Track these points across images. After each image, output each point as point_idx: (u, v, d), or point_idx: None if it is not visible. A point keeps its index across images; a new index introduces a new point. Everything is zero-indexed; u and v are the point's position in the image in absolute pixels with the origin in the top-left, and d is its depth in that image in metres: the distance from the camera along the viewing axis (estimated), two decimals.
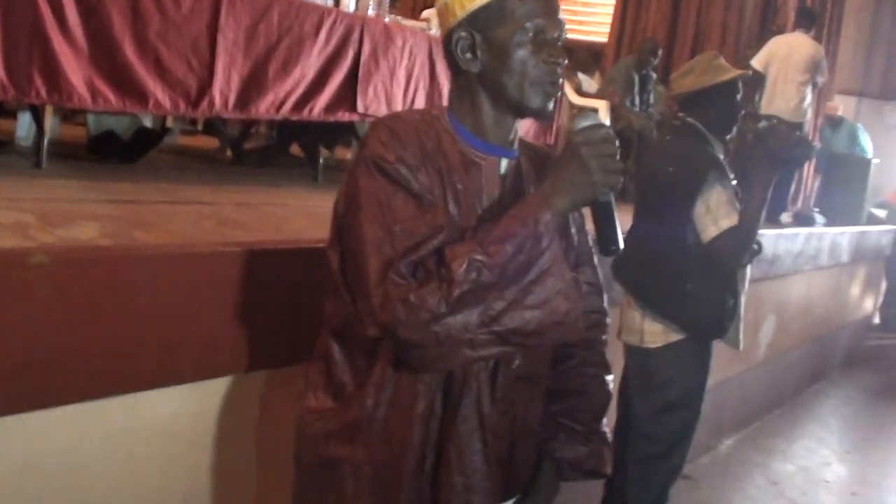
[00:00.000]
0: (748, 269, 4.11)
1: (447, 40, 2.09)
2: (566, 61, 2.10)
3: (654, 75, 9.74)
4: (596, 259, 2.36)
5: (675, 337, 4.04)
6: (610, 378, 2.45)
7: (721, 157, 3.99)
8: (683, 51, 12.28)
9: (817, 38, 10.06)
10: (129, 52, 4.11)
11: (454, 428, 2.10)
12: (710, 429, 6.97)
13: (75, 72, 3.92)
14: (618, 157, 1.97)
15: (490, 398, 2.14)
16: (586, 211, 2.09)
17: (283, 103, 4.93)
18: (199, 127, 7.72)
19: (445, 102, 2.19)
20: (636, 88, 9.33)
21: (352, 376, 2.15)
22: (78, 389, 2.47)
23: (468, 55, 2.06)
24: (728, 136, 4.07)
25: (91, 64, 3.99)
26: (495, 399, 2.15)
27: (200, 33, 4.41)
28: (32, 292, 2.32)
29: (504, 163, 2.14)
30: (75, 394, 2.47)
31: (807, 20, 9.64)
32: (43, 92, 3.83)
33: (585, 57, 9.99)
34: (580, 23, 13.28)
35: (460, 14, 2.06)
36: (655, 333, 4.10)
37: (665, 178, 4.02)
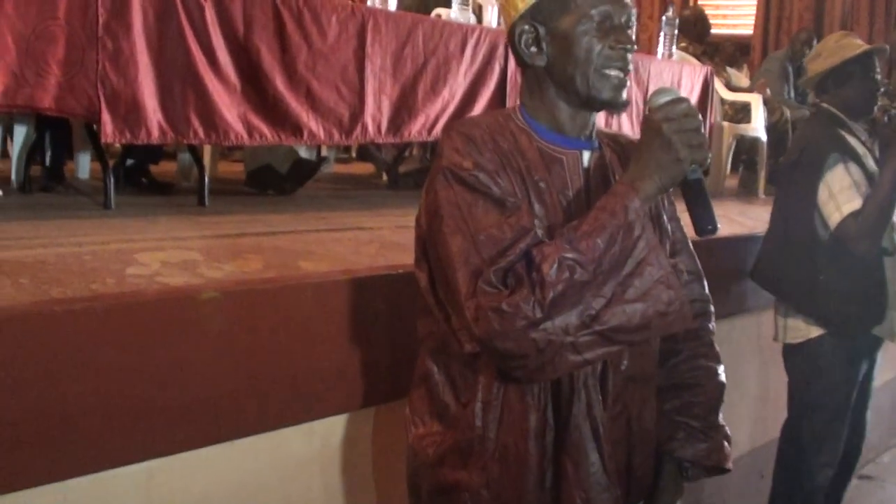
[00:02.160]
0: None
1: (511, 35, 2.04)
2: (635, 46, 2.03)
3: None
4: (691, 245, 2.28)
5: (816, 332, 3.92)
6: (721, 368, 2.35)
7: (861, 138, 3.84)
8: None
9: None
10: (281, 85, 4.17)
11: (567, 439, 2.03)
12: (890, 426, 6.72)
13: (230, 109, 3.99)
14: (702, 130, 1.87)
15: (601, 403, 2.06)
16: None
17: (434, 124, 4.93)
18: (353, 154, 7.80)
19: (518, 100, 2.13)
20: (790, 80, 9.12)
21: (453, 396, 2.10)
22: (251, 422, 2.51)
23: (533, 48, 2.01)
24: (869, 116, 3.92)
25: (244, 100, 4.06)
26: (607, 404, 2.07)
27: (348, 61, 4.45)
28: (207, 328, 2.36)
29: (586, 155, 2.08)
30: (248, 427, 2.51)
31: None
32: (201, 132, 3.90)
33: (732, 51, 9.80)
34: (724, 17, 13.08)
35: (522, 7, 2.01)
36: (797, 329, 4.00)
37: (789, 167, 3.92)
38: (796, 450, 4.06)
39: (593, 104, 2.03)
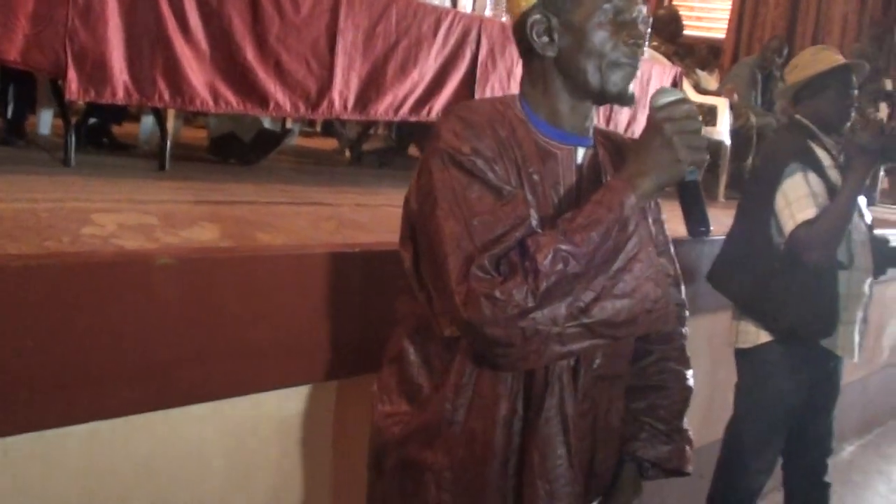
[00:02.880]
0: (860, 270, 3.86)
1: (520, 25, 2.02)
2: (647, 42, 2.03)
3: (778, 74, 9.57)
4: (672, 249, 2.29)
5: (764, 338, 3.92)
6: (689, 373, 2.37)
7: (832, 152, 3.85)
8: (804, 46, 11.98)
9: None
10: (250, 54, 4.15)
11: (538, 431, 2.04)
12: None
13: (197, 75, 3.97)
14: (702, 133, 1.88)
15: (572, 398, 2.07)
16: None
17: (401, 104, 4.93)
18: (318, 128, 7.78)
19: (518, 90, 2.11)
20: (759, 87, 9.18)
21: (428, 378, 2.10)
22: (200, 389, 2.50)
23: (544, 39, 1.98)
24: (842, 130, 3.93)
25: (213, 67, 4.04)
26: (576, 400, 2.08)
27: (320, 35, 4.43)
28: (160, 293, 2.35)
29: (580, 152, 2.07)
30: (198, 394, 2.50)
31: None
32: (166, 96, 3.88)
33: (704, 53, 9.87)
34: (698, 19, 13.14)
35: None
36: (747, 333, 3.99)
37: (752, 173, 3.94)
38: (736, 453, 4.08)
39: (603, 97, 2.02)
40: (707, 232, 1.91)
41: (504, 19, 5.69)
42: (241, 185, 4.17)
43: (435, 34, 5.04)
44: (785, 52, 9.62)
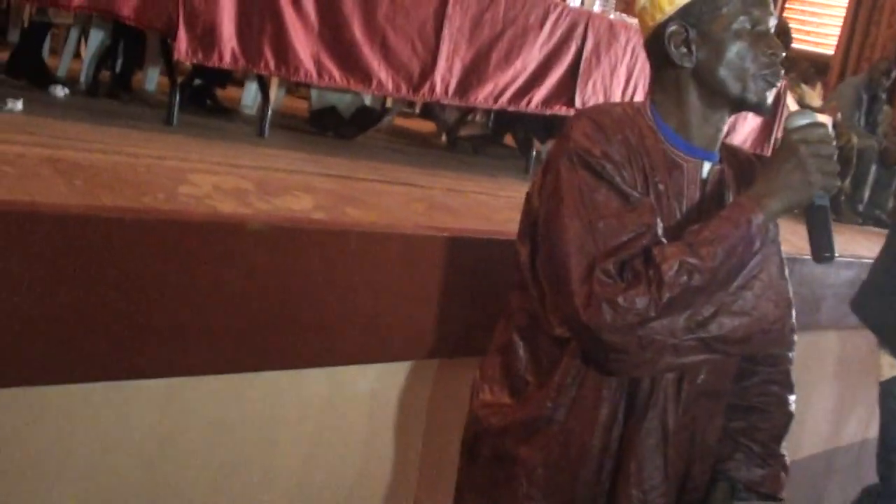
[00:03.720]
0: None
1: (657, 36, 2.01)
2: (784, 52, 2.03)
3: (884, 96, 9.41)
4: (787, 272, 2.28)
5: None
6: (793, 398, 2.33)
7: None
8: None
9: None
10: (358, 31, 4.19)
11: (638, 439, 2.04)
12: None
13: (304, 47, 4.02)
14: (835, 158, 1.87)
15: (675, 412, 2.07)
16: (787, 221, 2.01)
17: (502, 93, 4.93)
18: (417, 110, 7.81)
19: (648, 97, 2.10)
20: (863, 108, 9.03)
21: (534, 374, 2.09)
22: (281, 357, 2.54)
23: (683, 49, 1.97)
24: None
25: (319, 40, 4.08)
26: (678, 413, 2.08)
27: (427, 18, 4.45)
28: (248, 259, 2.39)
29: (706, 166, 2.06)
30: (279, 361, 2.54)
31: None
32: (272, 64, 3.94)
33: (808, 68, 9.71)
34: (806, 32, 12.88)
35: (669, 9, 1.99)
36: (885, 365, 3.92)
37: None
38: (886, 494, 4.01)
39: (741, 105, 2.02)
40: (832, 258, 1.90)
41: (612, 16, 5.67)
42: (336, 159, 4.20)
43: (542, 26, 5.02)
44: (893, 74, 9.45)
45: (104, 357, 2.23)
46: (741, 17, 1.96)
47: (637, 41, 5.61)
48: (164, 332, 2.29)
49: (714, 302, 1.82)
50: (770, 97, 2.02)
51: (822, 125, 1.90)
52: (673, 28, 1.98)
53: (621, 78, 5.61)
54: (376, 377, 2.84)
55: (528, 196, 2.07)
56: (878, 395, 4.00)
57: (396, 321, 2.76)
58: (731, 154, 2.17)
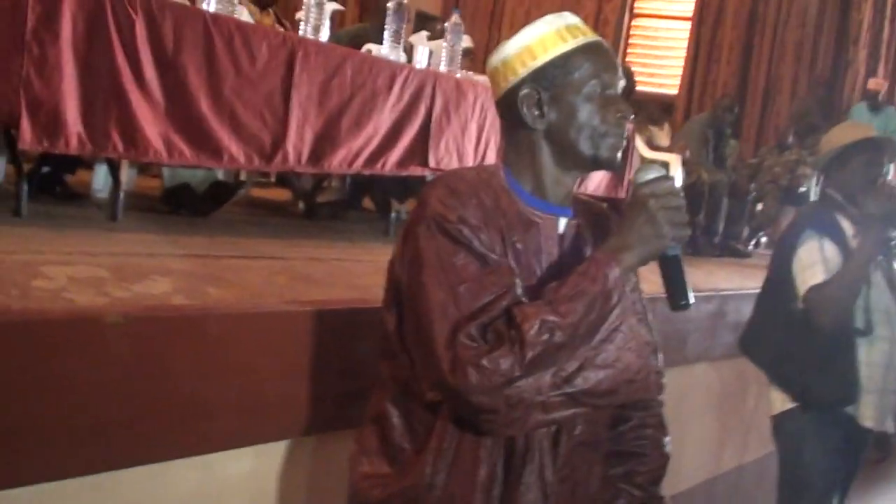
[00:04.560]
0: (883, 339, 3.83)
1: (509, 98, 2.06)
2: (633, 114, 2.09)
3: (729, 131, 9.69)
4: (650, 316, 2.32)
5: (789, 404, 3.95)
6: (667, 440, 2.39)
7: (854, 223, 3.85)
8: (755, 104, 12.27)
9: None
10: (205, 107, 4.15)
11: (517, 496, 2.05)
12: None
13: (152, 126, 3.96)
14: (684, 209, 1.95)
15: (552, 464, 2.08)
16: (646, 269, 2.06)
17: (355, 158, 4.94)
18: (272, 178, 7.77)
19: (500, 159, 2.16)
20: (710, 144, 9.28)
21: (410, 441, 2.10)
22: (150, 451, 2.48)
23: (535, 111, 2.03)
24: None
25: (167, 119, 4.03)
26: (557, 465, 2.09)
27: (274, 89, 4.44)
28: (109, 352, 2.33)
29: (563, 222, 2.11)
30: (148, 455, 2.48)
31: None
32: (120, 146, 3.86)
33: (655, 109, 9.95)
34: (651, 75, 13.24)
35: (522, 71, 2.04)
36: (775, 400, 4.03)
37: (777, 241, 4.00)
38: None
39: (594, 164, 2.08)
40: (688, 306, 1.98)
41: (459, 75, 5.74)
42: (193, 238, 4.16)
43: (390, 89, 5.06)
44: (735, 110, 9.74)
45: None
46: (592, 82, 2.02)
47: (485, 98, 5.70)
48: (28, 436, 2.22)
49: (577, 357, 1.86)
50: (619, 155, 2.08)
51: (670, 178, 1.97)
52: (526, 91, 2.03)
53: (472, 135, 5.68)
54: (253, 460, 2.79)
55: (391, 264, 2.08)
56: (772, 429, 4.10)
57: (268, 400, 2.73)
58: (584, 207, 2.22)
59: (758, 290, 4.17)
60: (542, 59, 2.03)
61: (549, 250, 2.07)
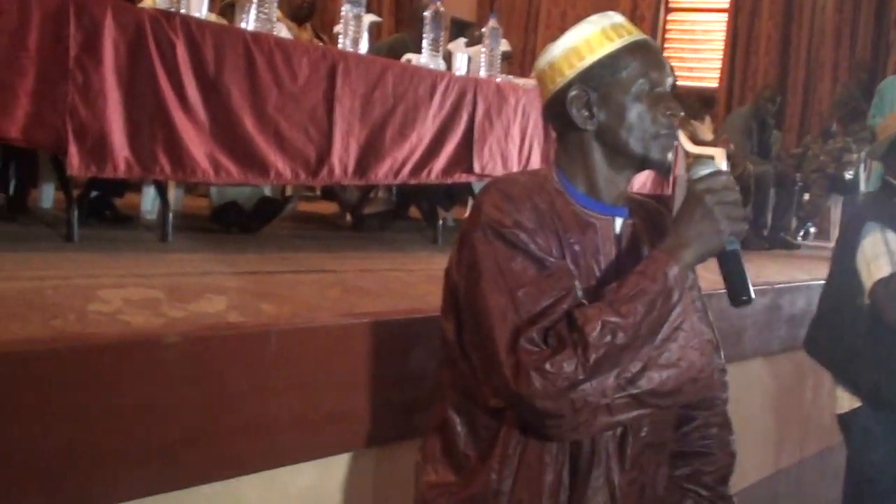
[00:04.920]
0: None
1: (558, 100, 2.05)
2: (682, 112, 2.08)
3: (772, 122, 9.61)
4: (711, 315, 2.29)
5: (855, 403, 3.88)
6: (733, 438, 2.37)
7: None
8: (796, 93, 12.14)
9: None
10: (249, 125, 4.18)
11: (585, 500, 2.03)
12: None
13: (198, 147, 3.99)
14: (741, 204, 1.93)
15: (619, 467, 2.07)
16: (705, 266, 2.04)
17: (401, 168, 4.95)
18: (318, 192, 7.80)
19: (551, 162, 2.16)
20: (754, 136, 9.21)
21: (474, 448, 2.08)
22: (214, 469, 2.49)
23: (584, 112, 2.02)
24: None
25: (213, 139, 4.06)
26: (624, 468, 2.07)
27: (317, 103, 4.46)
28: (169, 373, 2.35)
29: (619, 222, 2.10)
30: (212, 474, 2.49)
31: None
32: (167, 168, 3.90)
33: (695, 104, 9.88)
34: (689, 69, 13.14)
35: (569, 73, 2.03)
36: (842, 399, 3.95)
37: (839, 236, 3.93)
38: None
39: (644, 165, 2.07)
40: (749, 301, 1.95)
41: (499, 80, 5.73)
42: (243, 255, 4.18)
43: (431, 97, 5.07)
44: (778, 100, 9.66)
45: (33, 497, 2.15)
46: (640, 80, 2.01)
47: (526, 101, 5.69)
48: (92, 461, 2.22)
49: (641, 357, 1.83)
50: (670, 156, 2.07)
51: (725, 173, 1.95)
52: (574, 92, 2.02)
53: (516, 139, 5.67)
54: (315, 474, 2.79)
55: (447, 272, 2.08)
56: (840, 427, 4.03)
57: (328, 413, 2.73)
58: (639, 206, 2.20)
59: (809, 281, 4.10)
60: (590, 59, 2.02)
61: (606, 251, 2.06)
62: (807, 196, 9.71)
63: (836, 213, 9.99)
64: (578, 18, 2.12)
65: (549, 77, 2.08)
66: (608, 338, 1.80)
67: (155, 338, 2.35)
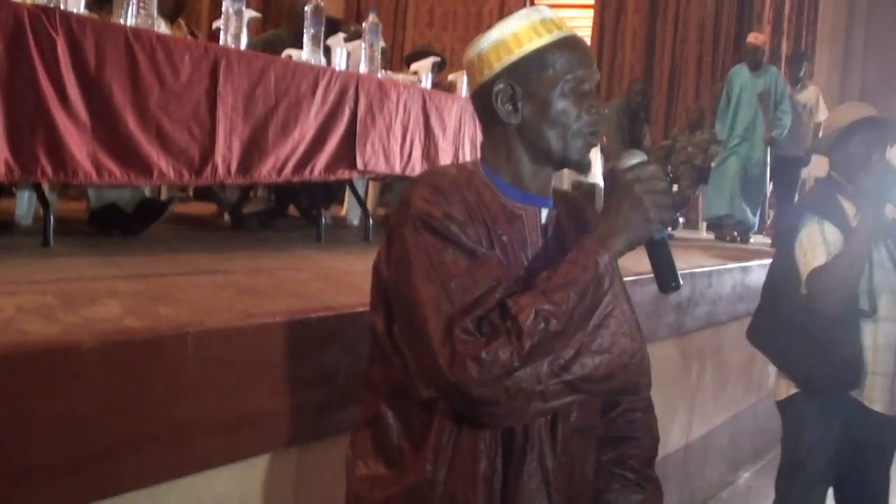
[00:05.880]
0: (888, 320, 3.81)
1: (484, 92, 2.09)
2: (605, 110, 2.11)
3: (643, 115, 9.78)
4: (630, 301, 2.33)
5: (792, 390, 3.98)
6: (655, 421, 2.43)
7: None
8: (661, 87, 12.41)
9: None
10: (132, 124, 4.07)
11: (520, 485, 2.05)
12: (729, 463, 6.93)
13: (79, 147, 3.87)
14: (669, 193, 1.98)
15: (551, 452, 2.09)
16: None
17: (284, 165, 4.89)
18: (190, 193, 7.68)
19: (478, 155, 2.18)
20: (626, 129, 9.37)
21: (408, 440, 2.09)
22: (137, 476, 2.43)
23: (508, 106, 2.06)
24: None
25: (94, 139, 3.94)
26: (556, 454, 2.10)
27: (200, 100, 4.37)
28: (86, 379, 2.27)
29: (544, 212, 2.13)
30: (135, 481, 2.43)
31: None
32: (49, 170, 3.77)
33: None
34: None
35: (497, 66, 2.06)
36: (780, 385, 4.06)
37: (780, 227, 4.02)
38: None
39: (563, 163, 2.10)
40: (678, 287, 2.02)
41: (380, 75, 5.71)
42: (130, 258, 4.07)
43: (314, 93, 5.03)
44: (648, 93, 9.85)
45: None
46: (567, 76, 2.04)
47: (407, 97, 5.68)
48: (15, 476, 2.15)
49: (573, 344, 1.87)
50: (589, 157, 2.11)
51: (651, 163, 1.99)
52: (500, 86, 2.06)
53: (398, 134, 5.67)
54: (237, 477, 2.75)
55: (375, 266, 2.08)
56: (779, 415, 4.13)
57: (245, 416, 2.69)
58: (561, 198, 2.24)
59: (686, 270, 4.19)
60: (518, 53, 2.05)
61: (534, 241, 2.09)
62: (675, 187, 9.92)
63: (703, 203, 10.23)
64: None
65: (477, 69, 2.10)
66: (542, 325, 1.82)
67: (72, 344, 2.28)
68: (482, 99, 2.10)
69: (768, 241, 9.35)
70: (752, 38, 9.98)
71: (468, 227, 1.94)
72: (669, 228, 2.08)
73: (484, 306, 1.86)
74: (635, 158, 1.98)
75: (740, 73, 9.54)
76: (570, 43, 2.07)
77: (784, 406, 4.06)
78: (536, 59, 2.04)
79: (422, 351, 1.90)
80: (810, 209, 3.87)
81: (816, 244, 3.72)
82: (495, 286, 1.89)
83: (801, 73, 9.77)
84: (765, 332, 4.10)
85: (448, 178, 2.02)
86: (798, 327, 3.83)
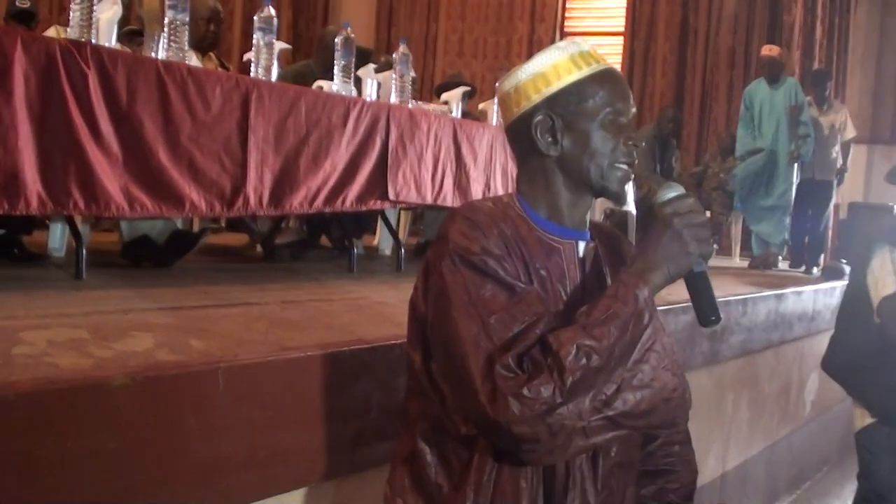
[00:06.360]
0: None
1: (521, 123, 2.08)
2: (643, 143, 2.10)
3: (674, 142, 9.75)
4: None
5: (868, 420, 3.93)
6: (694, 455, 2.41)
7: None
8: (692, 114, 12.37)
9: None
10: (163, 156, 4.09)
11: None
12: (764, 494, 6.86)
13: (111, 181, 3.89)
14: (708, 225, 1.96)
15: (593, 488, 2.07)
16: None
17: (315, 196, 4.90)
18: (223, 224, 7.71)
19: (512, 187, 2.17)
20: (657, 156, 9.33)
21: (446, 478, 2.06)
22: None
23: (548, 137, 2.05)
24: None
25: (126, 172, 3.96)
26: (596, 489, 2.07)
27: (231, 132, 4.39)
28: (117, 416, 2.26)
29: (581, 245, 2.11)
30: None
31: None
32: (81, 203, 3.79)
33: None
34: None
35: (535, 98, 2.05)
36: (855, 417, 4.02)
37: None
38: None
39: (601, 194, 2.09)
40: (718, 321, 1.98)
41: (411, 105, 5.71)
42: (162, 290, 4.07)
43: (345, 124, 5.04)
44: (679, 119, 9.82)
45: None
46: (606, 109, 2.04)
47: (438, 126, 5.67)
48: None
49: (615, 380, 1.84)
50: (626, 188, 2.11)
51: (690, 195, 1.97)
52: (539, 117, 2.05)
53: (429, 164, 5.66)
54: None
55: (412, 302, 2.07)
56: (855, 446, 4.09)
57: (281, 450, 2.67)
58: (597, 230, 2.22)
59: (721, 297, 4.14)
60: (557, 85, 2.04)
61: (572, 275, 2.07)
62: (707, 213, 9.85)
63: (736, 230, 10.17)
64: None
65: (513, 100, 2.09)
66: (583, 361, 1.79)
67: (103, 380, 2.26)
68: (519, 130, 2.09)
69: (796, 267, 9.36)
70: (767, 49, 9.79)
71: (506, 262, 1.93)
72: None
73: (524, 342, 1.84)
74: (673, 192, 1.96)
75: (759, 89, 9.42)
76: (608, 76, 2.07)
77: (860, 438, 4.01)
78: (576, 92, 2.03)
79: (461, 387, 1.88)
80: (881, 238, 3.84)
81: (887, 273, 3.70)
82: (535, 322, 1.87)
83: (827, 93, 9.60)
84: (839, 361, 4.07)
85: (484, 212, 2.00)
86: (872, 356, 3.80)
